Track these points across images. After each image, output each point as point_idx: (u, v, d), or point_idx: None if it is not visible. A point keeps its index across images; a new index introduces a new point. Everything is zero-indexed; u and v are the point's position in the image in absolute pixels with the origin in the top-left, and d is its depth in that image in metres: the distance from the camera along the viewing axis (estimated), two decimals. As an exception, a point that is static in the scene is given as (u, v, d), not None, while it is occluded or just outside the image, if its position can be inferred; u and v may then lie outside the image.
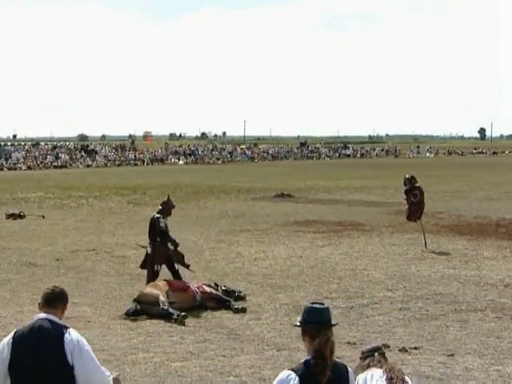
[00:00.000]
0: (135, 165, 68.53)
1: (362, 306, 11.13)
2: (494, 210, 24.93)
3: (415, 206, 17.79)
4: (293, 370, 4.31)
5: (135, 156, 73.17)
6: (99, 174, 50.61)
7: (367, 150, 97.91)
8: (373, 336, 9.37)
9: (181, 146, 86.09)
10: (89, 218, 23.41)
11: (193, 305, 11.10)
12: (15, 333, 4.78)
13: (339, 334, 9.61)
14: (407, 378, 5.20)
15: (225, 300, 11.25)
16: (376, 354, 5.33)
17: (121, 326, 10.07)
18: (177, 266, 12.11)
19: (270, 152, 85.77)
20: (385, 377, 5.06)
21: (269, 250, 16.52)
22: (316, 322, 4.32)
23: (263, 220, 22.49)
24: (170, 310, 10.49)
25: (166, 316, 10.41)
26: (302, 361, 4.34)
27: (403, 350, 8.80)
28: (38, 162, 64.80)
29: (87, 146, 78.88)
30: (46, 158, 66.80)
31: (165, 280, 11.60)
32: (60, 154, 68.59)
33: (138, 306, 10.67)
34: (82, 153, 71.31)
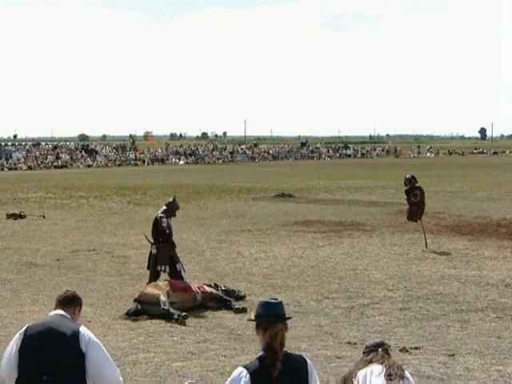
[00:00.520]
0: (136, 165, 68.53)
1: (363, 306, 11.13)
2: (495, 210, 24.93)
3: (416, 206, 17.79)
4: (245, 366, 4.39)
5: (136, 156, 73.17)
6: (100, 174, 50.62)
7: (368, 150, 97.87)
8: (373, 336, 9.35)
9: (181, 145, 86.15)
10: (89, 218, 23.41)
11: (193, 305, 11.10)
12: (28, 326, 4.87)
13: (340, 334, 9.63)
14: (407, 374, 5.18)
15: (225, 300, 11.25)
16: (380, 349, 5.32)
17: (121, 326, 10.08)
18: (179, 266, 12.11)
19: (271, 152, 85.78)
20: (384, 373, 5.06)
21: (269, 250, 16.52)
22: (268, 316, 4.45)
23: (264, 220, 22.49)
24: (171, 310, 10.49)
25: (166, 316, 10.41)
26: (257, 356, 4.40)
27: (404, 349, 8.80)
28: (39, 161, 64.82)
29: (88, 145, 78.91)
30: (46, 157, 66.82)
31: (166, 280, 11.60)
32: (61, 154, 68.62)
33: (139, 306, 10.67)
34: (83, 153, 71.34)
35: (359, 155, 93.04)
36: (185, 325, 10.12)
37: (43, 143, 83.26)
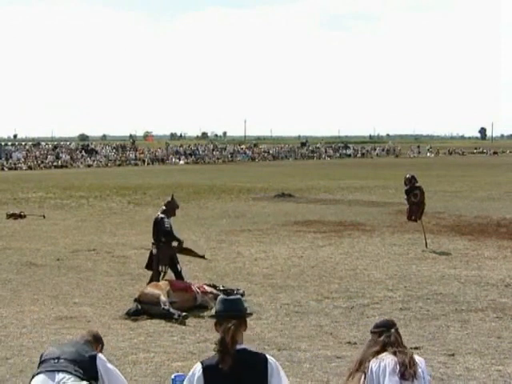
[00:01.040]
0: (136, 165, 68.55)
1: (363, 306, 11.13)
2: (495, 210, 24.93)
3: (416, 206, 17.78)
4: (201, 361, 4.55)
5: (136, 156, 73.19)
6: (100, 174, 50.62)
7: (368, 150, 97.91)
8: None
9: (181, 145, 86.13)
10: (89, 218, 23.41)
11: (194, 305, 11.10)
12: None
13: (340, 333, 9.63)
14: (419, 370, 5.03)
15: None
16: (393, 330, 5.20)
17: (121, 326, 10.07)
18: (179, 266, 12.12)
19: (271, 152, 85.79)
20: (397, 371, 4.94)
21: (269, 250, 16.53)
22: (224, 311, 4.53)
23: (264, 220, 22.49)
24: (171, 309, 10.49)
25: (166, 316, 10.41)
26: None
27: (404, 349, 8.79)
28: (39, 161, 64.82)
29: (88, 145, 78.91)
30: (46, 157, 66.83)
31: (166, 280, 11.60)
32: (61, 154, 68.62)
33: (139, 306, 10.66)
34: (83, 153, 71.34)
35: (359, 155, 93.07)
36: (185, 325, 10.12)
37: (43, 143, 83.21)
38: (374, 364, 5.02)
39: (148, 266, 12.26)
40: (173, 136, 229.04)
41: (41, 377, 5.33)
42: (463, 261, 15.09)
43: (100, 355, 5.53)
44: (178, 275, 11.99)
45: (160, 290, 10.88)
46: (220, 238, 18.66)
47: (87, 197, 31.10)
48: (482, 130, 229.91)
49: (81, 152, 71.69)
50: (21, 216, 23.33)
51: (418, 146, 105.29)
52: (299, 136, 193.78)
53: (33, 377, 5.45)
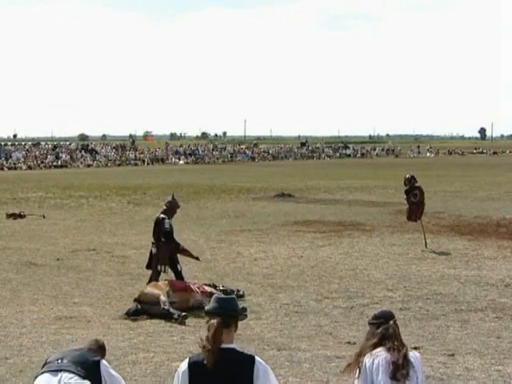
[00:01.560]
0: (136, 165, 68.51)
1: (363, 306, 11.13)
2: (495, 210, 24.93)
3: (415, 206, 17.78)
4: (190, 356, 4.65)
5: (136, 156, 73.14)
6: (100, 174, 50.61)
7: (367, 150, 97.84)
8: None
9: (181, 145, 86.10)
10: (89, 218, 23.40)
11: (193, 305, 11.10)
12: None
13: (339, 333, 9.63)
14: (412, 371, 4.98)
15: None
16: (391, 322, 5.15)
17: (121, 326, 10.07)
18: (179, 266, 12.11)
19: (271, 152, 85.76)
20: (389, 371, 4.91)
21: (269, 250, 16.53)
22: (213, 308, 4.58)
23: (264, 220, 22.49)
24: (171, 309, 10.49)
25: (166, 316, 10.41)
26: None
27: (403, 349, 8.78)
28: (39, 161, 64.78)
29: (88, 145, 78.84)
30: (46, 157, 66.77)
31: (166, 280, 11.60)
32: (60, 154, 68.56)
33: (139, 306, 10.67)
34: (83, 152, 71.27)
35: (359, 155, 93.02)
36: (185, 325, 10.12)
37: (43, 143, 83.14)
38: (367, 360, 5.00)
39: (148, 266, 12.24)
40: (173, 136, 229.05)
41: (44, 376, 5.36)
42: (463, 261, 15.10)
43: (103, 361, 5.59)
44: (178, 275, 11.98)
45: (160, 290, 10.88)
46: (220, 237, 18.65)
47: (87, 197, 31.09)
48: (482, 130, 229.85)
49: (80, 152, 71.64)
50: (20, 216, 23.33)
51: (418, 146, 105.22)
52: (299, 136, 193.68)
53: (36, 377, 5.45)
